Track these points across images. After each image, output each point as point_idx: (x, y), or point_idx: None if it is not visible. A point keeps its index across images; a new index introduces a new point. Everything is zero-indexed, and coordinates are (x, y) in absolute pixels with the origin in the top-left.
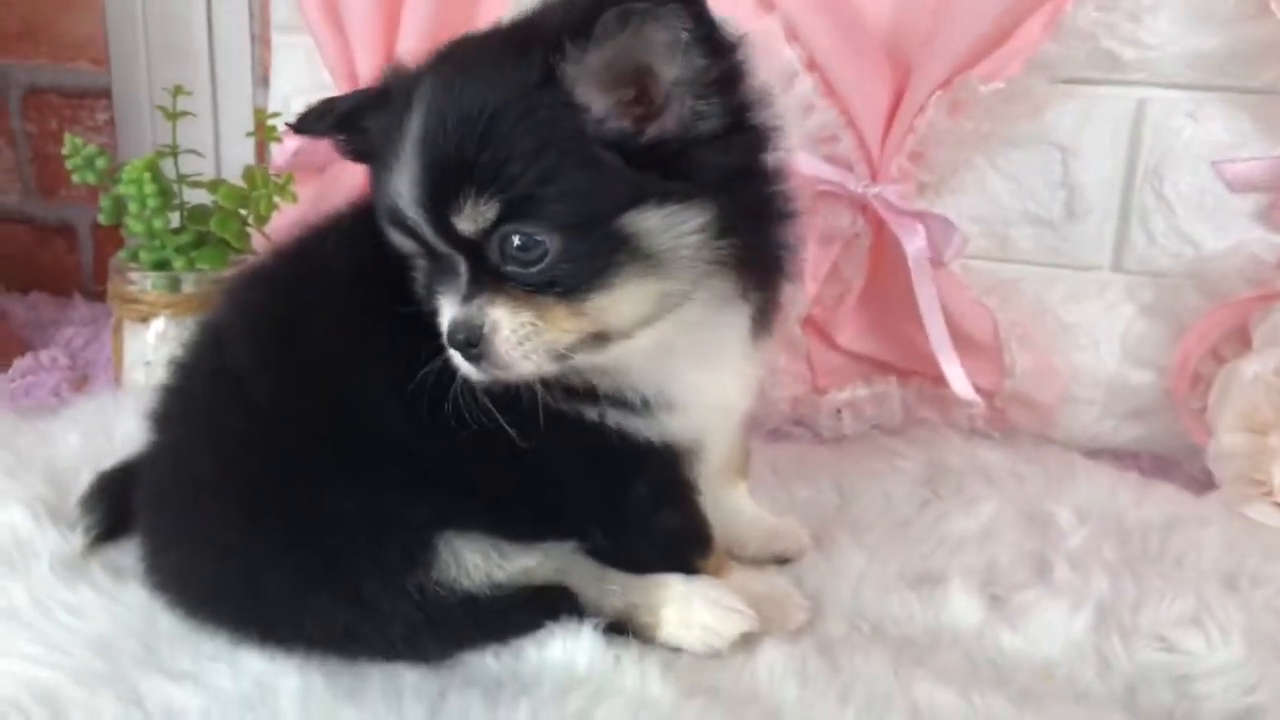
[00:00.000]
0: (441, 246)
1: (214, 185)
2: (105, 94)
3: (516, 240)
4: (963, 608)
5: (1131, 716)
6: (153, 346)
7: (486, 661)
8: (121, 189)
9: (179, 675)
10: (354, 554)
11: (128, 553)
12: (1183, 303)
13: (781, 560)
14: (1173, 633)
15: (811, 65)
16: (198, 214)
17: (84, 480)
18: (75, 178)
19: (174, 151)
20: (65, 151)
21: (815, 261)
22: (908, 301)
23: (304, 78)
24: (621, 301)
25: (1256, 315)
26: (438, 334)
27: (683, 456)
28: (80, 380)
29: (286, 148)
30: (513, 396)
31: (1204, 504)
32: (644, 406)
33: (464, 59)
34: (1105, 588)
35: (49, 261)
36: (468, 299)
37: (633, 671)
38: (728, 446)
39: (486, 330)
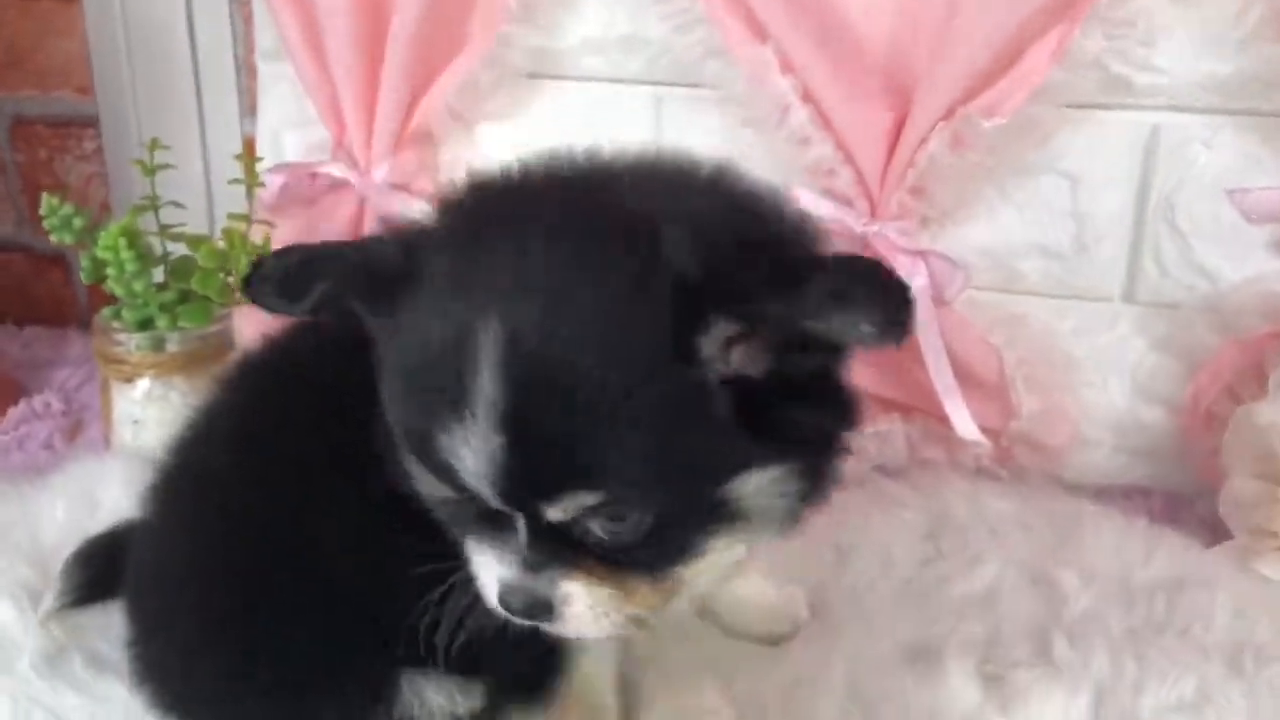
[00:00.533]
0: (501, 508)
1: (195, 243)
2: (93, 122)
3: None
4: (959, 689)
5: None
6: (140, 405)
7: None
8: (99, 253)
9: None
10: (317, 685)
11: (110, 639)
12: (1197, 337)
13: (776, 641)
14: None
15: (807, 96)
16: (181, 269)
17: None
18: (53, 238)
19: (154, 205)
20: (42, 212)
21: None
22: (911, 338)
23: (291, 109)
24: (709, 565)
25: (1272, 354)
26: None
27: None
28: (74, 428)
29: (274, 183)
30: None
31: (1214, 559)
32: None
33: (540, 282)
34: (1106, 666)
35: (45, 292)
36: (532, 567)
37: None
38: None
39: (557, 603)
